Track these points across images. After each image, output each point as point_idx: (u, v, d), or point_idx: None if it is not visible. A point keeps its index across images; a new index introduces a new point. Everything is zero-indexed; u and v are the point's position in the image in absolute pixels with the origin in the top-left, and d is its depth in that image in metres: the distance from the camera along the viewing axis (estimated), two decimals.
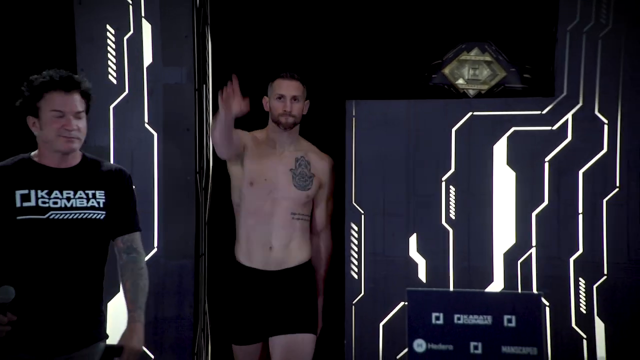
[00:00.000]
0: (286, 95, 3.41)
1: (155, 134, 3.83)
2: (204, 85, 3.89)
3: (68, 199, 2.66)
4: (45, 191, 2.63)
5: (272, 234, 3.34)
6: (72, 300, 2.66)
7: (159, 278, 3.79)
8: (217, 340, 4.04)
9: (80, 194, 2.67)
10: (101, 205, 2.69)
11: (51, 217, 2.61)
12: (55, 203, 2.63)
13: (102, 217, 2.69)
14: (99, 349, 2.76)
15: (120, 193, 2.78)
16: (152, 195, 3.82)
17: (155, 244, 3.82)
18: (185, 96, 3.80)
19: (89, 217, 2.66)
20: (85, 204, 2.67)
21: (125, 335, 2.78)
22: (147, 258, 3.81)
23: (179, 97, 3.81)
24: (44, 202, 2.62)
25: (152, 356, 3.80)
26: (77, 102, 2.68)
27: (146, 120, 3.83)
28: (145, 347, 3.76)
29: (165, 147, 3.82)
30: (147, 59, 3.82)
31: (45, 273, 2.62)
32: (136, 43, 3.81)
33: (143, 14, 3.81)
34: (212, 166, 3.99)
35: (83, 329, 2.69)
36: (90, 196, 2.69)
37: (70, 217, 2.64)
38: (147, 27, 3.81)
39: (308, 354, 3.29)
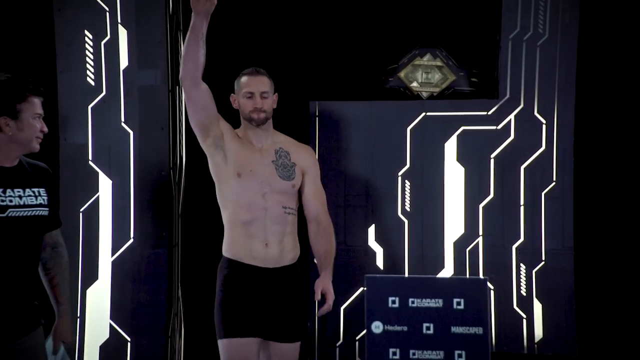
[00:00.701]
0: (255, 92, 3.15)
1: (132, 132, 3.82)
2: (177, 87, 3.89)
3: (20, 197, 2.60)
4: (1, 190, 2.58)
5: (268, 230, 3.09)
6: (20, 291, 2.60)
7: (134, 266, 3.80)
8: (190, 324, 4.06)
9: (29, 192, 2.61)
10: (46, 202, 2.65)
11: (10, 214, 2.56)
12: (11, 201, 2.57)
13: (47, 214, 2.64)
14: (40, 332, 2.67)
15: (53, 190, 2.72)
16: (128, 189, 3.81)
17: (132, 235, 3.81)
18: (159, 97, 3.80)
19: (39, 213, 2.62)
20: (34, 202, 2.61)
21: (60, 330, 2.73)
22: (123, 248, 3.82)
23: (153, 98, 3.80)
24: (2, 201, 2.57)
25: (129, 338, 3.81)
26: (41, 106, 2.67)
27: (122, 119, 3.81)
28: (122, 331, 3.80)
29: (141, 144, 3.81)
30: (123, 62, 3.81)
31: (3, 268, 2.57)
32: (113, 47, 3.80)
33: (119, 20, 3.80)
34: (186, 162, 4.00)
35: (27, 317, 2.62)
36: (37, 193, 2.63)
37: (26, 214, 2.59)
38: (123, 33, 3.80)
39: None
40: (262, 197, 3.10)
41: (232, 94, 3.21)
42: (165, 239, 3.81)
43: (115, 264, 3.82)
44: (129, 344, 3.80)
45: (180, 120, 3.94)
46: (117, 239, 3.82)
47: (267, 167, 3.13)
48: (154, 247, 3.81)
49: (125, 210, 3.80)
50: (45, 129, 2.61)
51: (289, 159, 3.19)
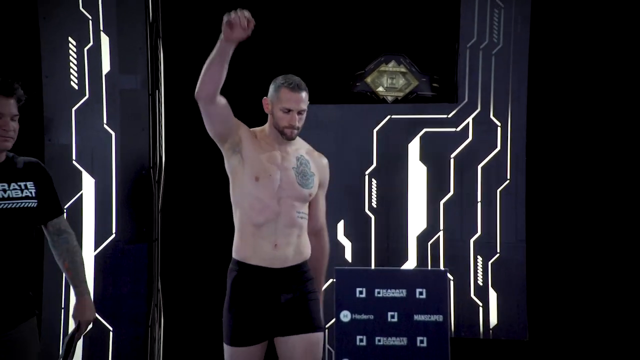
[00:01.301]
0: (294, 109, 2.89)
1: (113, 134, 3.82)
2: (157, 91, 3.90)
3: (4, 190, 2.60)
4: None
5: (278, 233, 2.89)
6: (11, 282, 2.59)
7: (116, 260, 3.81)
8: (170, 315, 4.08)
9: (14, 186, 2.61)
10: (33, 195, 2.63)
11: None
12: None
13: (35, 205, 2.63)
14: (33, 322, 2.68)
15: (45, 182, 2.70)
16: (110, 187, 3.82)
17: (114, 230, 3.83)
18: (140, 100, 3.80)
19: (26, 205, 2.60)
20: (20, 195, 2.60)
21: (77, 309, 2.72)
22: (106, 243, 3.83)
23: (134, 101, 3.80)
24: None
25: (111, 328, 3.82)
26: (13, 106, 2.62)
27: (105, 121, 3.82)
28: (104, 320, 3.81)
29: (123, 145, 3.81)
30: (106, 67, 3.81)
31: None
32: (95, 53, 3.80)
33: (102, 28, 3.80)
34: (165, 162, 4.01)
35: (20, 307, 2.61)
36: (23, 187, 2.62)
37: (10, 206, 2.59)
38: (105, 40, 3.80)
39: (321, 352, 2.90)
40: (277, 201, 2.91)
41: (265, 97, 2.96)
42: (145, 234, 3.83)
43: (97, 258, 3.84)
44: (111, 333, 3.82)
45: (160, 122, 3.95)
46: (100, 234, 3.84)
47: (287, 173, 2.93)
48: (135, 242, 3.82)
49: (107, 207, 3.82)
50: (8, 127, 2.56)
51: (309, 167, 3.00)
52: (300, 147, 3.02)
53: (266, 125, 2.99)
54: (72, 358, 2.68)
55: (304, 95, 2.91)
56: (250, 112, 4.09)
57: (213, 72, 2.82)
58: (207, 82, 2.84)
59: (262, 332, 2.86)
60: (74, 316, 2.73)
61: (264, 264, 2.88)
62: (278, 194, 2.91)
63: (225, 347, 2.91)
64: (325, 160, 3.06)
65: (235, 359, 2.89)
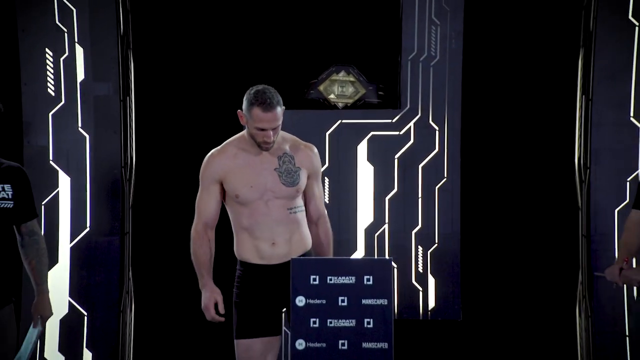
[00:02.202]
0: (267, 128, 2.71)
1: (88, 136, 3.84)
2: (128, 97, 3.92)
3: None
4: None
5: (273, 231, 2.74)
6: None
7: (90, 251, 3.84)
8: (140, 300, 4.11)
9: None
10: (10, 197, 2.62)
11: None
12: None
13: (11, 206, 2.62)
14: (10, 309, 2.71)
15: (22, 186, 2.68)
16: (85, 185, 3.83)
17: (88, 224, 3.85)
18: (112, 106, 3.83)
19: (2, 206, 2.60)
20: None
21: (39, 305, 2.74)
22: (81, 236, 3.86)
23: (107, 106, 3.82)
24: None
25: (85, 313, 3.83)
26: None
27: (80, 125, 3.83)
28: (80, 306, 3.85)
29: (96, 146, 3.83)
30: (80, 75, 3.82)
31: None
32: (71, 62, 3.81)
33: (76, 40, 3.81)
34: (135, 162, 4.03)
35: None
36: (0, 189, 2.61)
37: None
38: (79, 50, 3.82)
39: None
40: (265, 204, 2.75)
41: (239, 110, 2.77)
42: (117, 228, 3.86)
43: (73, 249, 3.87)
44: (85, 317, 3.85)
45: (130, 126, 3.98)
46: (75, 228, 3.86)
47: (270, 176, 2.76)
48: (108, 235, 3.85)
49: (82, 203, 3.84)
50: None
51: (293, 163, 2.80)
52: (284, 142, 2.83)
53: (245, 131, 2.83)
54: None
55: (277, 111, 2.72)
56: (208, 117, 4.11)
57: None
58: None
59: (263, 327, 2.77)
60: (34, 312, 2.76)
61: (264, 262, 2.77)
62: (264, 196, 2.76)
63: (235, 342, 2.82)
64: (311, 150, 2.88)
65: (238, 351, 2.81)
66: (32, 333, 2.72)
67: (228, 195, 2.82)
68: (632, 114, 3.80)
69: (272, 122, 2.73)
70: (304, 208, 2.86)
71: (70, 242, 3.86)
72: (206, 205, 2.83)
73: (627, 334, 3.73)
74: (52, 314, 2.78)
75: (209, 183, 2.83)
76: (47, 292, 2.76)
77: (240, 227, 2.82)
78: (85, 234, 3.85)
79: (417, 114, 3.98)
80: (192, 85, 4.21)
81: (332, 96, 4.05)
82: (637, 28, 3.75)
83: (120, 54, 3.83)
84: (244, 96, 2.79)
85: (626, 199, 3.78)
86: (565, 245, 4.10)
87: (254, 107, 2.73)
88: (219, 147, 2.89)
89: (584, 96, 3.89)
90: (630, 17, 3.76)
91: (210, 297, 2.79)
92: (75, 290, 3.84)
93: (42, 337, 3.75)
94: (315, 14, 4.17)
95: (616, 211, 3.79)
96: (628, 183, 3.78)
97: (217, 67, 4.23)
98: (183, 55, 4.22)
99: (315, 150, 2.92)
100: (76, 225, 3.85)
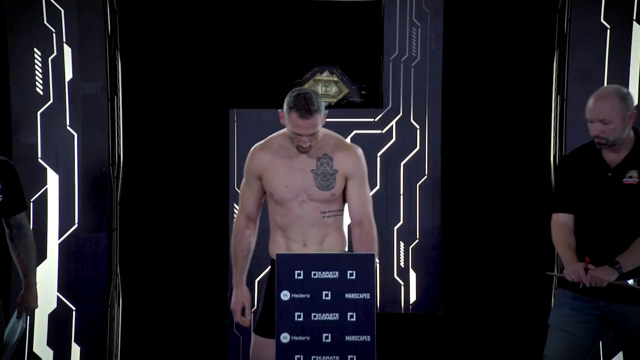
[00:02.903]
0: (304, 134, 2.65)
1: (76, 134, 3.83)
2: (115, 96, 3.92)
3: None
4: None
5: (305, 233, 2.69)
6: None
7: (79, 247, 3.84)
8: (128, 296, 4.11)
9: None
10: None
11: None
12: None
13: (0, 199, 2.65)
14: None
15: (10, 179, 2.70)
16: (73, 182, 3.83)
17: (76, 221, 3.84)
18: (100, 104, 3.81)
19: None
20: None
21: (25, 297, 2.74)
22: (69, 232, 3.86)
23: (95, 105, 3.82)
24: None
25: (74, 308, 3.83)
26: None
27: (68, 123, 3.82)
28: (68, 301, 3.85)
29: (84, 144, 3.81)
30: (68, 75, 3.80)
31: None
32: (59, 62, 3.79)
33: (64, 40, 3.80)
34: (123, 160, 4.03)
35: None
36: None
37: None
38: (68, 50, 3.80)
39: None
40: (299, 205, 2.70)
41: (280, 110, 2.71)
42: (105, 224, 3.86)
43: (62, 245, 3.86)
44: (74, 312, 3.85)
45: (118, 124, 3.98)
46: (64, 224, 3.86)
47: (306, 177, 2.69)
48: (96, 231, 3.85)
49: (70, 200, 3.84)
50: None
51: (330, 166, 2.71)
52: (325, 144, 2.73)
53: (285, 131, 2.77)
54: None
55: (315, 118, 2.63)
56: (195, 116, 4.10)
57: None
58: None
59: None
60: (20, 303, 2.76)
61: None
62: (298, 197, 2.70)
63: (252, 335, 2.83)
64: (351, 152, 2.76)
65: (257, 348, 2.79)
66: (16, 326, 2.70)
67: (266, 191, 2.78)
68: None
69: (308, 129, 2.66)
70: (341, 212, 2.78)
71: (59, 238, 3.85)
72: (247, 199, 2.81)
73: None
74: (37, 306, 2.78)
75: (250, 177, 2.81)
76: (35, 284, 2.76)
77: (275, 225, 2.79)
78: (73, 230, 3.84)
79: (399, 113, 4.00)
80: (179, 85, 4.22)
81: None
82: (609, 30, 3.81)
83: (108, 54, 3.82)
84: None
85: None
86: (542, 241, 4.01)
87: (292, 111, 2.66)
88: (262, 142, 2.85)
89: (558, 96, 3.94)
90: (602, 20, 3.81)
91: (238, 301, 2.79)
92: (64, 285, 3.83)
93: (30, 331, 3.76)
94: (300, 16, 4.19)
95: None
96: None
97: (203, 66, 4.24)
98: (170, 55, 4.22)
99: (359, 151, 2.82)
100: (65, 221, 3.84)
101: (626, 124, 2.70)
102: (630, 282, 2.68)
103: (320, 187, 2.71)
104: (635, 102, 3.82)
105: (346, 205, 2.83)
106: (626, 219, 2.69)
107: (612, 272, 2.64)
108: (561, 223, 2.77)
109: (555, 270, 3.78)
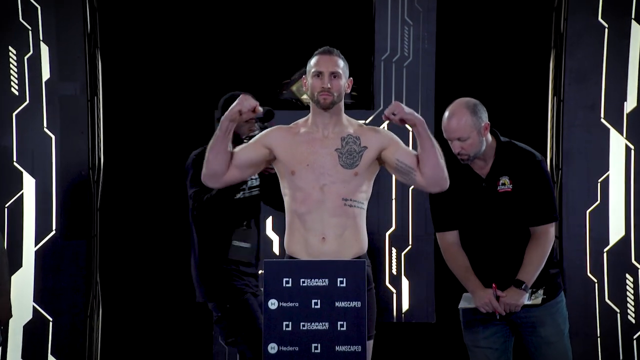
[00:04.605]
0: (324, 71, 2.57)
1: (53, 137, 3.78)
2: (95, 97, 3.87)
3: None
4: None
5: (325, 223, 2.56)
6: None
7: (56, 255, 3.77)
8: (108, 305, 4.04)
9: None
10: None
11: None
12: None
13: None
14: None
15: None
16: (50, 187, 3.77)
17: (54, 227, 3.78)
18: (80, 105, 3.78)
19: None
20: None
21: None
22: (46, 239, 3.78)
23: (73, 107, 3.77)
24: None
25: (51, 319, 3.77)
26: None
27: (45, 125, 3.77)
28: (44, 312, 3.76)
29: (62, 147, 3.77)
30: (46, 74, 3.76)
31: None
32: (35, 61, 3.74)
33: (41, 38, 3.75)
34: (104, 163, 3.98)
35: None
36: None
37: None
38: (45, 49, 3.75)
39: None
40: (320, 189, 2.57)
41: (303, 76, 2.68)
42: (84, 231, 3.79)
43: (38, 253, 3.78)
44: (50, 323, 3.77)
45: (98, 126, 3.92)
46: (40, 231, 3.78)
47: (328, 157, 2.57)
48: (74, 238, 3.78)
49: (47, 205, 3.77)
50: None
51: (358, 144, 2.61)
52: (348, 126, 2.65)
53: (310, 112, 2.70)
54: None
55: (337, 59, 2.61)
56: (178, 117, 4.07)
57: (221, 160, 2.56)
58: (212, 161, 2.56)
59: None
60: None
61: (313, 258, 2.61)
62: (320, 181, 2.57)
63: None
64: (377, 128, 2.71)
65: None
66: None
67: (284, 173, 2.63)
68: (602, 115, 3.85)
69: (328, 64, 2.60)
70: (363, 206, 2.64)
71: (35, 245, 3.79)
72: (241, 149, 2.66)
73: (598, 335, 3.76)
74: (11, 316, 2.74)
75: (258, 140, 2.67)
76: (8, 293, 2.74)
77: (293, 215, 2.62)
78: (50, 237, 3.79)
79: None
80: (162, 85, 4.24)
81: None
82: (606, 29, 3.81)
83: (87, 53, 3.79)
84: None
85: (597, 200, 3.81)
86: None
87: (314, 56, 2.66)
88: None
89: (555, 97, 3.95)
90: (599, 18, 3.81)
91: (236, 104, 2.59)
92: (40, 295, 3.78)
93: (4, 343, 3.67)
94: (288, 14, 4.18)
95: (587, 212, 3.82)
96: (599, 184, 3.82)
97: (188, 67, 4.21)
98: (153, 54, 4.21)
99: (385, 129, 2.82)
100: (41, 228, 3.78)
101: (483, 136, 2.75)
102: (540, 300, 2.74)
103: (344, 165, 2.59)
104: (635, 105, 3.83)
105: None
106: (510, 227, 2.75)
107: (522, 294, 2.71)
108: (450, 243, 2.81)
109: None
